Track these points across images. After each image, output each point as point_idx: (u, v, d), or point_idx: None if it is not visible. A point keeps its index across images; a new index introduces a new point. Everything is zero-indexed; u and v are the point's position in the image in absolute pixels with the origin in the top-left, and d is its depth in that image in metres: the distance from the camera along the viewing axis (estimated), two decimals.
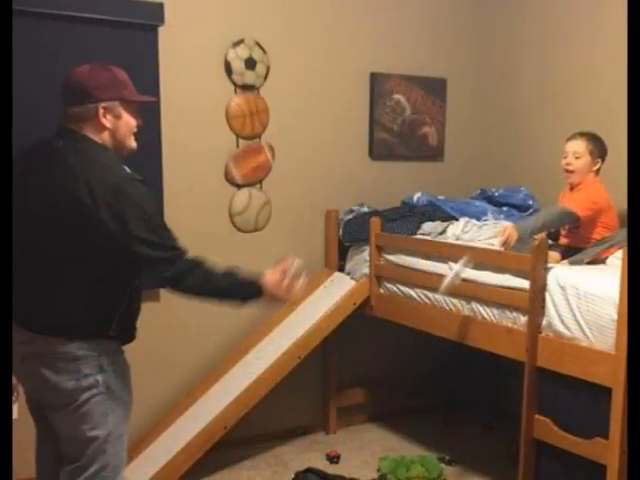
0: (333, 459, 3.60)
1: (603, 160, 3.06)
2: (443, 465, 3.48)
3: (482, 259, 2.96)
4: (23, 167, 2.04)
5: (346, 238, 3.79)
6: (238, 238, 3.65)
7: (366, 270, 3.65)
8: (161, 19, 3.27)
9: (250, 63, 3.55)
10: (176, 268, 2.00)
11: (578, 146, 3.04)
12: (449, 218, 3.59)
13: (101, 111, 2.02)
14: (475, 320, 3.05)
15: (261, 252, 3.53)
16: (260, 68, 3.59)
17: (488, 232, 3.29)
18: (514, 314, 2.86)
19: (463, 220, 3.52)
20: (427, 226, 3.54)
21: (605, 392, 2.44)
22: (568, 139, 3.10)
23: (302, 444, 3.82)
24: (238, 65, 3.53)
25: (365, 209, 3.84)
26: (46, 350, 2.01)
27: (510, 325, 2.89)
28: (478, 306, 3.03)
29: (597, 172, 3.06)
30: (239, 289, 2.11)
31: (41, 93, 2.91)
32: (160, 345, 3.43)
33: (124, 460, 2.17)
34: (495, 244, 3.00)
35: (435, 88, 4.14)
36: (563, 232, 3.18)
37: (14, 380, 2.13)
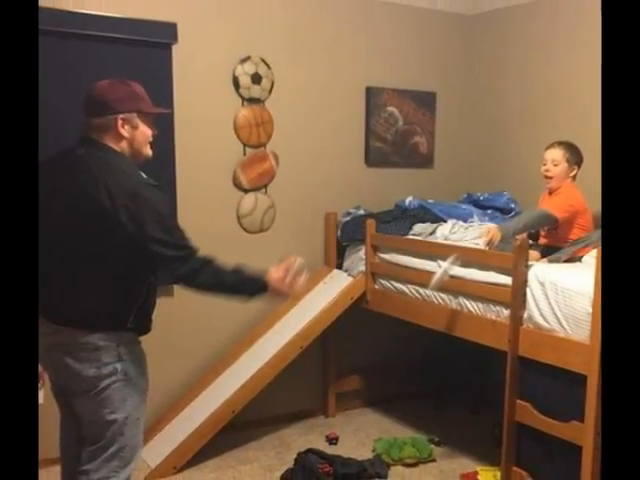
0: (332, 441, 3.60)
1: (579, 167, 3.06)
2: (433, 446, 3.49)
3: (468, 258, 2.96)
4: (49, 173, 2.04)
5: (344, 238, 3.79)
6: (245, 238, 3.65)
7: (362, 268, 3.65)
8: (175, 38, 3.28)
9: (256, 78, 3.55)
10: (188, 266, 2.00)
11: (556, 154, 3.04)
12: (438, 220, 3.59)
13: (120, 122, 2.02)
14: (462, 313, 3.05)
15: (266, 251, 3.53)
16: (265, 83, 3.59)
17: (474, 233, 3.29)
18: (498, 308, 2.87)
19: (451, 222, 3.52)
20: (418, 227, 3.54)
21: (581, 379, 2.44)
22: (547, 148, 3.11)
23: (304, 427, 3.82)
24: (245, 80, 3.53)
25: (361, 212, 3.84)
26: (70, 341, 2.01)
27: (494, 318, 2.89)
28: (465, 300, 3.03)
29: (574, 178, 3.07)
30: (246, 285, 2.11)
31: (64, 105, 2.91)
32: (174, 336, 3.43)
33: (141, 441, 2.17)
34: (480, 244, 3.00)
35: (425, 101, 4.14)
36: (542, 233, 3.18)
37: (40, 368, 2.13)
